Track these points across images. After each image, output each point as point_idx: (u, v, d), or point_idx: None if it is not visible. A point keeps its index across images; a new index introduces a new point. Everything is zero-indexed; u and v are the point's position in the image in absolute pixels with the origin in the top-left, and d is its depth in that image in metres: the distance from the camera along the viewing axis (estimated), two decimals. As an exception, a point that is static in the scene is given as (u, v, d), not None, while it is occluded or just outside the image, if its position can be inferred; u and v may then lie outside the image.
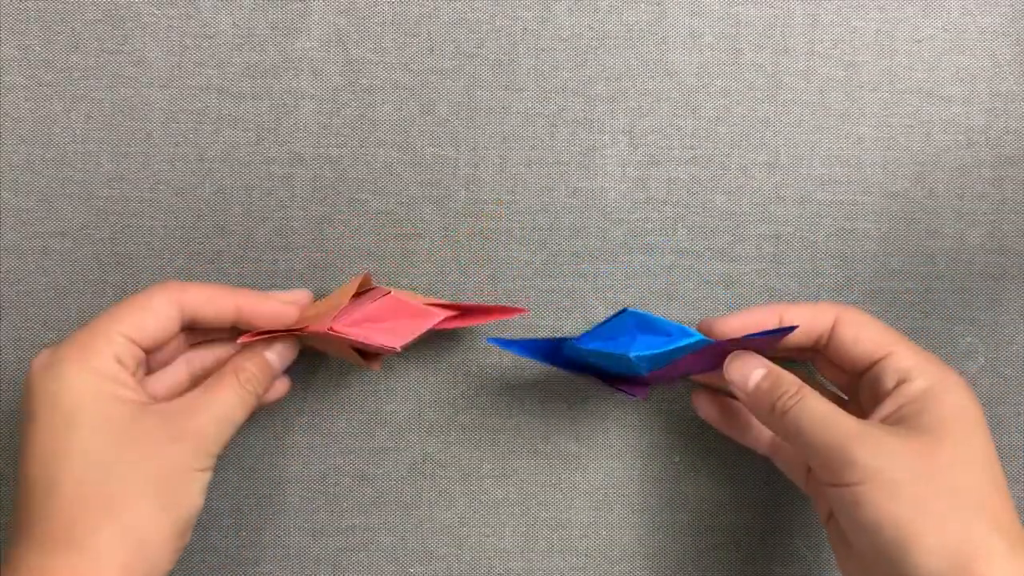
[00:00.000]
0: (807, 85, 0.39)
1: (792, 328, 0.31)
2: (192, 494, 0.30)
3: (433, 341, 0.39)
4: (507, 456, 0.39)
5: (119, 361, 0.31)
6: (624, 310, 0.34)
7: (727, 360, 0.33)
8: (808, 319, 0.33)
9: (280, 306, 0.34)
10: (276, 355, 0.35)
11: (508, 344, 0.35)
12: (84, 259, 0.39)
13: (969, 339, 0.39)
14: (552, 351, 0.35)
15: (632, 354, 0.32)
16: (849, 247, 0.39)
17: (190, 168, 0.39)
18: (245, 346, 0.34)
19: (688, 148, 0.39)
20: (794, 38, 0.39)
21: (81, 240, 0.39)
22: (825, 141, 0.39)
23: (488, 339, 0.35)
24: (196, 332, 0.35)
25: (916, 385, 0.30)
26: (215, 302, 0.33)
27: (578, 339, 0.34)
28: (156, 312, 0.32)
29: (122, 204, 0.39)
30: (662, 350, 0.33)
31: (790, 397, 0.30)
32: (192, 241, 0.39)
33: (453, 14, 0.39)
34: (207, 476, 0.31)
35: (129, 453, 0.29)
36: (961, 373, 0.39)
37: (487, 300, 0.39)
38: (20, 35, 0.39)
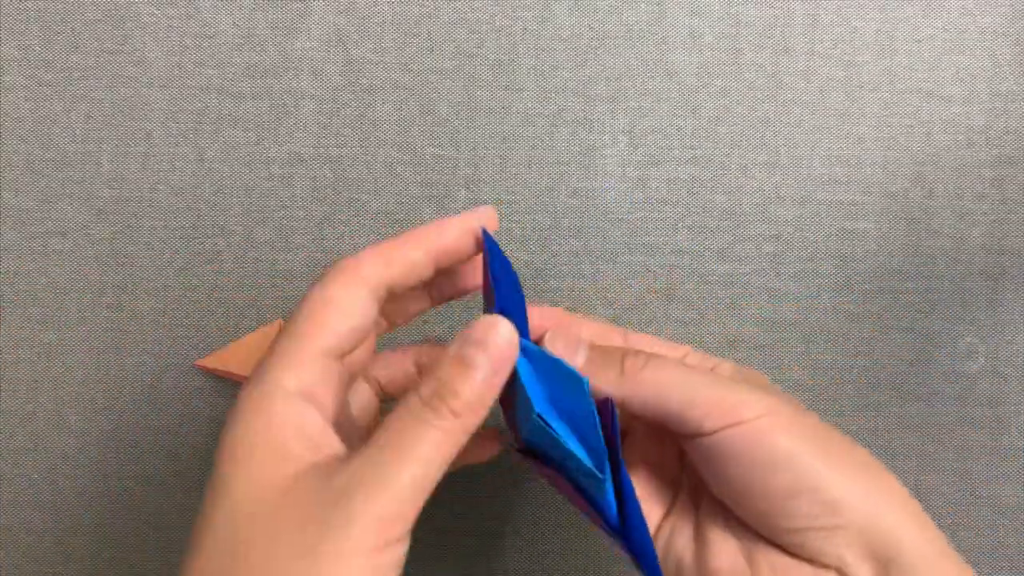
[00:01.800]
0: (807, 85, 0.39)
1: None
2: None
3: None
4: (507, 457, 0.39)
5: (310, 397, 0.24)
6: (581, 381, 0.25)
7: (548, 336, 0.27)
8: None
9: (472, 224, 0.26)
10: (488, 359, 0.23)
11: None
12: (84, 259, 0.39)
13: (969, 339, 0.39)
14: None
15: (537, 413, 0.24)
16: (849, 247, 0.39)
17: (190, 168, 0.39)
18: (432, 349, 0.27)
19: (688, 148, 0.39)
20: (794, 38, 0.39)
21: (81, 240, 0.39)
22: (825, 141, 0.39)
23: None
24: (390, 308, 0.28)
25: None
26: (393, 257, 0.25)
27: (526, 342, 0.25)
28: (344, 306, 0.25)
29: (122, 204, 0.39)
30: (568, 443, 0.25)
31: (638, 357, 0.26)
32: (192, 241, 0.39)
33: (453, 14, 0.39)
34: (388, 557, 0.22)
35: (266, 536, 0.21)
36: (961, 373, 0.39)
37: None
38: (20, 35, 0.39)
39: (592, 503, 0.26)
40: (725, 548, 0.27)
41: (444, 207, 0.39)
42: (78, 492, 0.39)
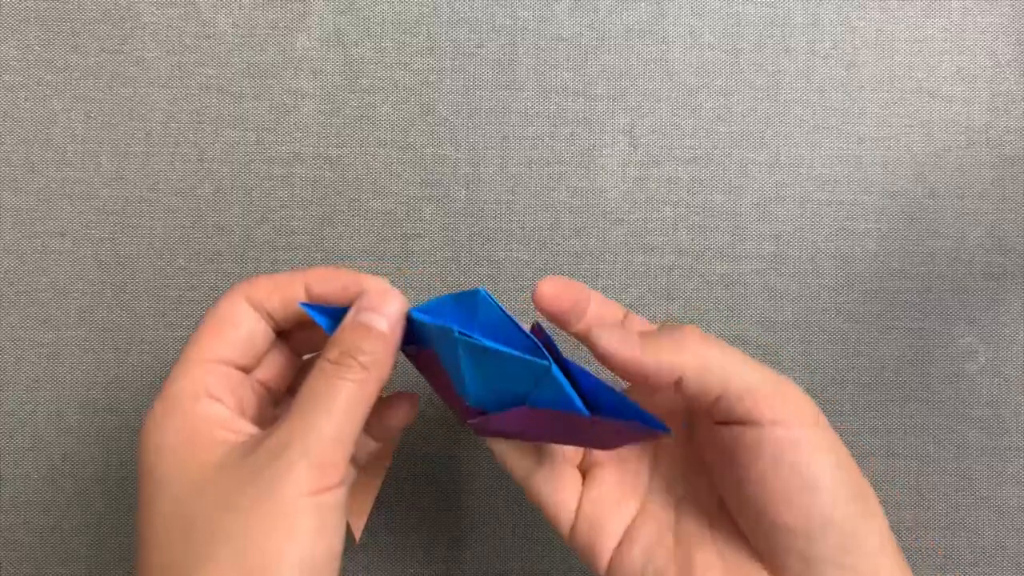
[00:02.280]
0: (807, 85, 0.39)
1: (667, 431, 0.24)
2: (304, 529, 0.23)
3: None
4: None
5: (212, 396, 0.26)
6: (476, 291, 0.26)
7: (598, 333, 0.26)
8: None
9: (351, 275, 0.28)
10: (385, 319, 0.26)
11: (319, 311, 0.27)
12: (84, 259, 0.39)
13: (969, 339, 0.39)
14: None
15: (457, 330, 0.24)
16: (849, 247, 0.39)
17: (190, 168, 0.39)
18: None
19: (688, 148, 0.39)
20: (794, 38, 0.39)
21: (81, 240, 0.39)
22: (825, 141, 0.39)
23: (300, 304, 0.27)
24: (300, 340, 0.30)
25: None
26: (281, 288, 0.27)
27: (415, 309, 0.27)
28: (233, 319, 0.27)
29: (122, 204, 0.39)
30: (497, 347, 0.25)
31: (691, 330, 0.26)
32: (192, 241, 0.39)
33: (453, 13, 0.39)
34: (329, 498, 0.24)
35: (213, 504, 0.23)
36: (962, 373, 0.39)
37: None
38: (20, 35, 0.39)
39: (562, 412, 0.25)
40: (712, 572, 0.26)
41: (444, 207, 0.39)
42: (78, 492, 0.39)
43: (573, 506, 0.29)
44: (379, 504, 0.39)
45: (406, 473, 0.39)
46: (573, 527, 0.28)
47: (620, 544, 0.28)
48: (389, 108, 0.39)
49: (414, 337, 0.27)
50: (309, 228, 0.39)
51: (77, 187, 0.39)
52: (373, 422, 0.30)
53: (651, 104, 0.39)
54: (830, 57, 0.39)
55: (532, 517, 0.39)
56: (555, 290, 0.27)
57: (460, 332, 0.24)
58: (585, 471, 0.30)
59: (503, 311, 0.25)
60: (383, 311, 0.26)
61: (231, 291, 0.27)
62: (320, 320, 0.27)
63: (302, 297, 0.28)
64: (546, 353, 0.25)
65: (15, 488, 0.39)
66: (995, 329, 0.39)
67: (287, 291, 0.27)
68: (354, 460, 0.30)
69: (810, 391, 0.39)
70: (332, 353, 0.25)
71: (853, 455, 0.26)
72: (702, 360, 0.25)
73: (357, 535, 0.33)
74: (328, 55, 0.39)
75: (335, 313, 0.27)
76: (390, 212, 0.39)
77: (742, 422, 0.25)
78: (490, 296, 0.25)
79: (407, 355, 0.28)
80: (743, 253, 0.39)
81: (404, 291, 0.39)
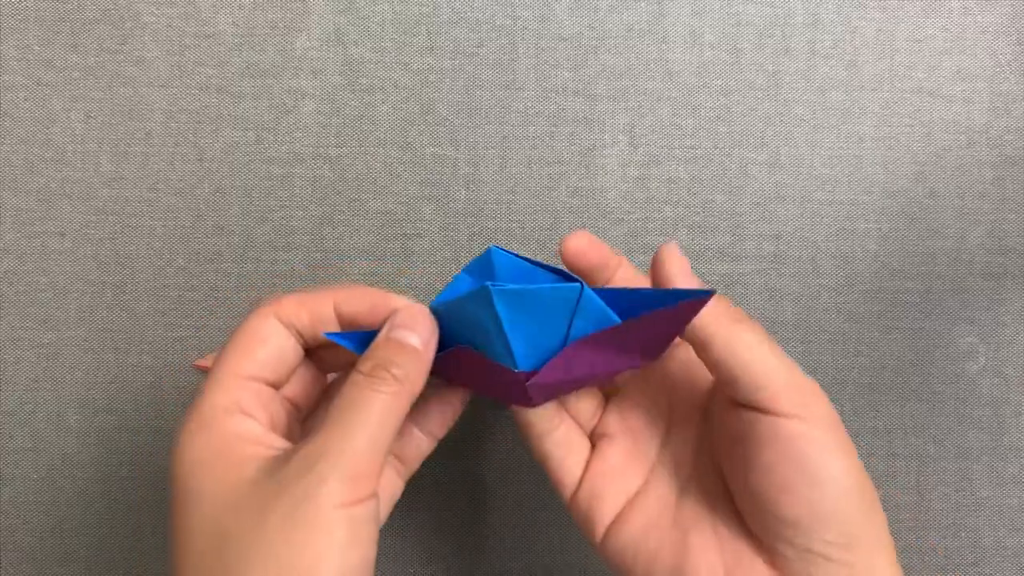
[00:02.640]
0: (807, 84, 0.39)
1: (710, 293, 0.24)
2: (338, 542, 0.23)
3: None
4: (507, 456, 0.39)
5: (245, 412, 0.26)
6: (489, 249, 0.26)
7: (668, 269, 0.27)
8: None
9: (380, 294, 0.28)
10: (418, 336, 0.26)
11: (343, 336, 0.27)
12: (84, 259, 0.39)
13: (970, 339, 0.39)
14: None
15: (490, 284, 0.24)
16: (849, 247, 0.39)
17: (190, 168, 0.39)
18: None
19: (688, 147, 0.39)
20: (795, 37, 0.39)
21: (81, 240, 0.39)
22: (826, 140, 0.39)
23: (325, 333, 0.27)
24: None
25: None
26: (309, 306, 0.27)
27: (434, 302, 0.27)
28: (262, 336, 0.27)
29: (122, 204, 0.39)
30: (530, 288, 0.25)
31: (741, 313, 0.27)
32: (192, 241, 0.39)
33: (453, 13, 0.39)
34: (362, 510, 0.24)
35: (247, 519, 0.23)
36: (962, 373, 0.39)
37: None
38: (20, 35, 0.39)
39: (605, 333, 0.25)
40: (707, 556, 0.26)
41: (444, 207, 0.39)
42: (78, 492, 0.39)
43: (579, 472, 0.29)
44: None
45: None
46: (575, 493, 0.29)
47: (618, 517, 0.28)
48: (389, 108, 0.39)
49: (442, 342, 0.27)
50: (309, 228, 0.39)
51: (77, 187, 0.39)
52: (422, 422, 0.30)
53: (651, 104, 0.39)
54: (830, 57, 0.39)
55: (532, 517, 0.39)
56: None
57: (493, 284, 0.24)
58: (595, 441, 0.30)
59: (519, 256, 0.26)
60: (416, 329, 0.26)
61: (260, 308, 0.27)
62: (348, 345, 0.26)
63: (331, 315, 0.27)
64: (575, 276, 0.26)
65: (15, 489, 0.39)
66: (995, 329, 0.39)
67: (315, 309, 0.27)
68: (406, 465, 0.30)
69: (810, 391, 0.39)
70: (365, 366, 0.25)
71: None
72: (736, 332, 0.26)
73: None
74: (328, 55, 0.39)
75: (363, 338, 0.27)
76: (390, 212, 0.39)
77: (759, 409, 0.25)
78: (502, 249, 0.26)
79: (436, 373, 0.28)
80: (743, 253, 0.39)
81: (404, 291, 0.39)
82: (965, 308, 0.39)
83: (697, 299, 0.24)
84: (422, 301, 0.39)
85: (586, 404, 0.30)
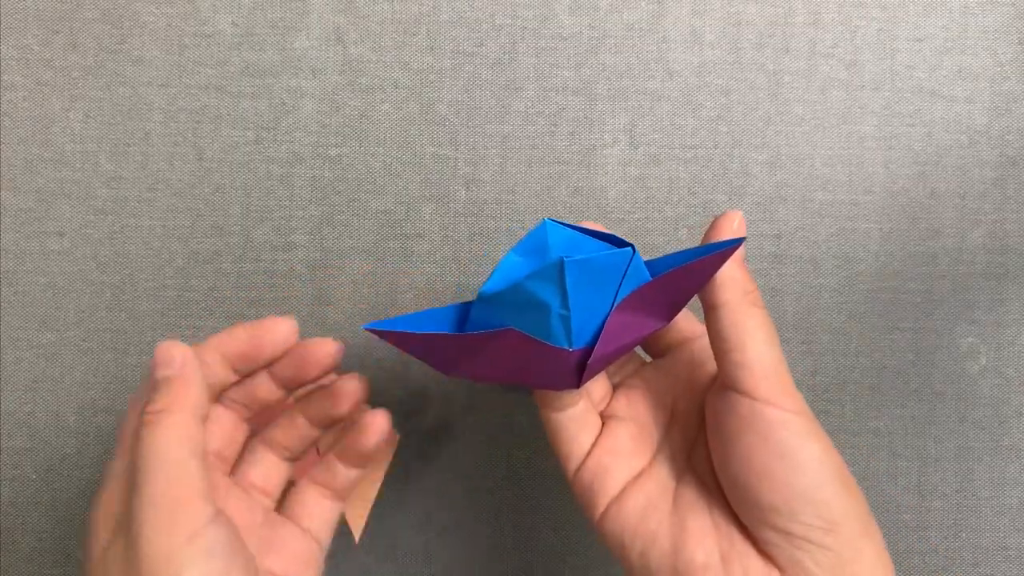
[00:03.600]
0: (808, 84, 0.39)
1: (740, 240, 0.26)
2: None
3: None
4: (507, 456, 0.39)
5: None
6: (543, 222, 0.27)
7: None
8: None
9: (252, 324, 0.29)
10: (171, 367, 0.28)
11: (390, 323, 0.27)
12: (83, 259, 0.39)
13: (971, 339, 0.39)
14: (454, 321, 0.29)
15: (565, 257, 0.24)
16: (850, 247, 0.39)
17: (189, 168, 0.39)
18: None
19: (689, 147, 0.39)
20: (795, 37, 0.39)
21: (80, 240, 0.39)
22: (826, 140, 0.39)
23: (363, 326, 0.26)
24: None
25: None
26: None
27: (484, 287, 0.27)
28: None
29: (121, 204, 0.39)
30: (595, 255, 0.25)
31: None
32: (192, 241, 0.39)
33: (453, 13, 0.39)
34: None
35: None
36: (963, 373, 0.39)
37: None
38: (20, 35, 0.39)
39: (642, 290, 0.26)
40: (704, 541, 0.27)
41: (444, 207, 0.39)
42: (78, 492, 0.39)
43: (586, 448, 0.30)
44: (378, 505, 0.39)
45: (405, 474, 0.39)
46: (579, 468, 0.29)
47: (620, 495, 0.29)
48: (389, 108, 0.39)
49: (485, 325, 0.27)
50: (309, 228, 0.39)
51: (76, 187, 0.39)
52: (347, 449, 0.31)
53: (651, 104, 0.39)
54: (831, 57, 0.39)
55: (532, 518, 0.39)
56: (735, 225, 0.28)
57: (567, 257, 0.24)
58: (604, 421, 0.31)
59: (569, 226, 0.27)
60: (164, 365, 0.27)
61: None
62: (394, 326, 0.26)
63: (222, 370, 0.28)
64: (623, 240, 0.27)
65: (14, 489, 0.39)
66: (996, 329, 0.39)
67: (208, 374, 0.28)
68: (339, 493, 0.31)
69: (812, 391, 0.39)
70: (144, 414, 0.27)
71: (854, 454, 0.27)
72: (743, 312, 0.27)
73: (357, 535, 0.33)
74: (328, 55, 0.39)
75: (409, 320, 0.27)
76: (390, 212, 0.39)
77: (737, 390, 0.26)
78: (556, 221, 0.26)
79: (457, 370, 0.28)
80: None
81: (404, 291, 0.39)
82: (966, 308, 0.39)
83: (727, 247, 0.25)
84: (422, 301, 0.39)
85: (597, 387, 0.31)
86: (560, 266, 0.24)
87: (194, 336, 0.39)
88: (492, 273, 0.27)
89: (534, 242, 0.27)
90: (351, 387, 0.30)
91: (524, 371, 0.27)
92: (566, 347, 0.26)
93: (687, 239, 0.39)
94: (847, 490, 0.26)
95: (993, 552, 0.39)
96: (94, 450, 0.39)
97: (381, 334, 0.26)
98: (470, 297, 0.39)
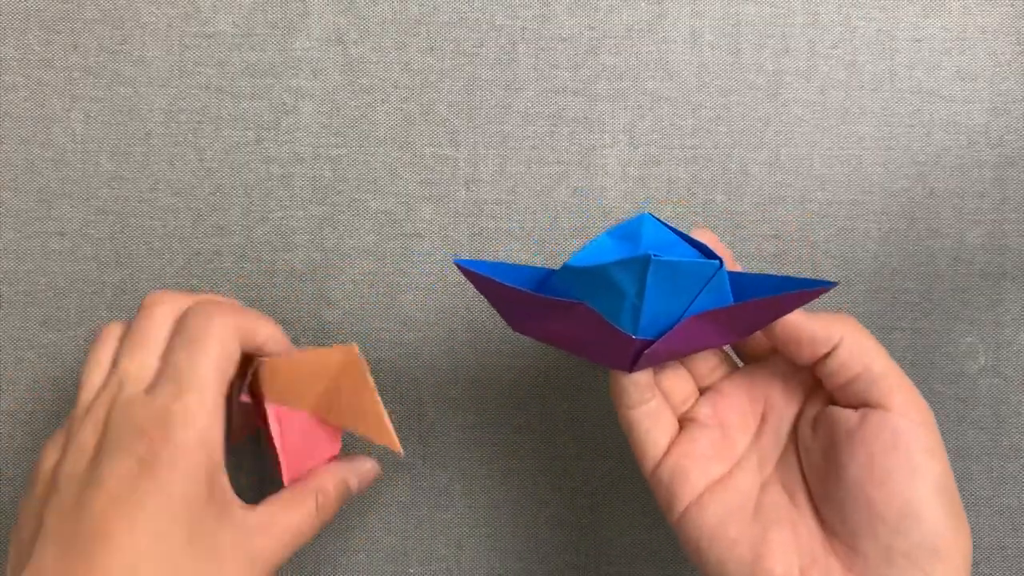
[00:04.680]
0: (807, 84, 0.39)
1: (832, 284, 0.26)
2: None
3: (433, 344, 0.39)
4: (507, 456, 0.39)
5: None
6: (643, 215, 0.28)
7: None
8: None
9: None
10: (358, 480, 0.33)
11: (477, 265, 0.28)
12: (84, 259, 0.39)
13: (970, 339, 0.39)
14: (535, 281, 0.29)
15: (652, 254, 0.25)
16: (849, 247, 0.39)
17: (190, 168, 0.39)
18: (332, 460, 0.33)
19: (688, 148, 0.39)
20: (794, 37, 0.39)
21: (81, 240, 0.39)
22: (825, 140, 0.39)
23: (456, 260, 0.28)
24: None
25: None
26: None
27: (572, 260, 0.28)
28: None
29: (122, 204, 0.39)
30: (681, 260, 0.26)
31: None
32: (192, 241, 0.39)
33: (453, 13, 0.39)
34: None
35: (188, 566, 0.26)
36: (962, 373, 0.39)
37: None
38: (20, 35, 0.39)
39: (720, 310, 0.27)
40: (784, 553, 0.27)
41: (444, 207, 0.39)
42: (78, 492, 0.39)
43: (663, 446, 0.30)
44: (378, 505, 0.39)
45: (406, 474, 0.39)
46: (658, 465, 0.30)
47: (699, 499, 0.29)
48: (389, 108, 0.39)
49: (562, 293, 0.27)
50: (309, 228, 0.39)
51: (77, 187, 0.39)
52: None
53: (651, 104, 0.39)
54: (830, 57, 0.39)
55: (532, 518, 0.39)
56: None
57: (654, 255, 0.25)
58: (684, 424, 0.31)
59: (667, 225, 0.27)
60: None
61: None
62: (484, 270, 0.27)
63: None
64: (713, 252, 0.27)
65: (15, 488, 0.39)
66: (995, 329, 0.39)
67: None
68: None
69: (810, 391, 0.39)
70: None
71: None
72: (860, 337, 0.28)
73: (398, 446, 0.32)
74: (328, 55, 0.39)
75: (496, 267, 0.28)
76: (390, 212, 0.39)
77: (870, 404, 0.27)
78: (655, 217, 0.27)
79: (522, 326, 0.29)
80: (743, 253, 0.39)
81: (404, 291, 0.39)
82: (965, 308, 0.39)
83: (818, 288, 0.26)
84: (422, 301, 0.39)
85: (680, 388, 0.31)
86: (645, 262, 0.25)
87: (195, 336, 0.39)
88: (581, 248, 0.27)
89: (628, 229, 0.27)
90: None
91: (585, 344, 0.28)
92: (630, 334, 0.26)
93: (687, 239, 0.39)
94: (959, 520, 0.26)
95: (993, 552, 0.39)
96: (95, 450, 0.39)
97: (468, 274, 0.27)
98: (471, 296, 0.39)
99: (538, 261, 0.39)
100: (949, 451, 0.39)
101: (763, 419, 0.30)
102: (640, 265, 0.25)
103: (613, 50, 0.39)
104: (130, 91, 0.39)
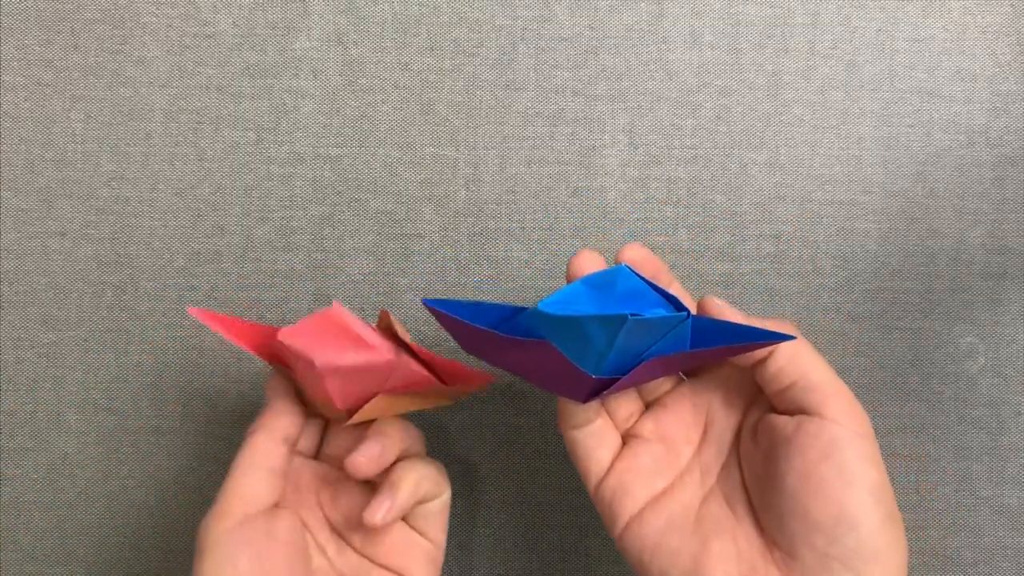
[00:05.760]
0: (807, 84, 0.39)
1: (789, 337, 0.27)
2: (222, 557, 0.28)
3: (432, 344, 0.39)
4: (507, 456, 0.39)
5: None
6: (619, 267, 0.28)
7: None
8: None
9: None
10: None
11: (444, 305, 0.28)
12: (84, 259, 0.39)
13: (969, 339, 0.39)
14: (500, 319, 0.29)
15: (629, 313, 0.25)
16: (849, 247, 0.39)
17: (190, 168, 0.39)
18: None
19: (688, 148, 0.39)
20: (794, 38, 0.39)
21: (81, 240, 0.39)
22: (825, 140, 0.39)
23: (424, 300, 0.28)
24: None
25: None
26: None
27: (544, 304, 0.27)
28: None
29: (122, 204, 0.39)
30: (655, 316, 0.26)
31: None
32: (192, 241, 0.39)
33: (453, 13, 0.39)
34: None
35: None
36: (962, 373, 0.39)
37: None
38: (20, 35, 0.39)
39: (681, 354, 0.27)
40: (724, 562, 0.27)
41: (444, 207, 0.39)
42: (78, 492, 0.39)
43: (606, 464, 0.30)
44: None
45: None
46: (600, 483, 0.30)
47: (640, 512, 0.29)
48: (389, 108, 0.39)
49: (527, 331, 0.28)
50: (309, 228, 0.39)
51: (77, 187, 0.39)
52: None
53: (651, 104, 0.39)
54: (830, 57, 0.39)
55: (532, 519, 0.39)
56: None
57: (632, 315, 0.25)
58: (626, 440, 0.31)
59: (642, 278, 0.28)
60: (271, 387, 0.33)
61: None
62: (448, 311, 0.28)
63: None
64: (683, 304, 0.28)
65: (15, 488, 0.39)
66: (995, 329, 0.39)
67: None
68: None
69: (810, 391, 0.39)
70: None
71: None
72: (798, 345, 0.28)
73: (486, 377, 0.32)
74: (328, 55, 0.39)
75: (464, 308, 0.28)
76: (390, 212, 0.39)
77: (806, 412, 0.27)
78: (631, 269, 0.28)
79: (480, 352, 0.29)
80: (743, 253, 0.39)
81: (404, 291, 0.39)
82: (965, 308, 0.39)
83: (777, 340, 0.26)
84: (429, 294, 0.39)
85: (625, 406, 0.31)
86: (622, 321, 0.25)
87: (194, 336, 0.39)
88: (554, 293, 0.27)
89: (603, 279, 0.28)
90: (359, 463, 0.31)
91: (542, 376, 0.28)
92: (589, 374, 0.27)
93: (687, 239, 0.39)
94: (894, 527, 0.26)
95: (993, 552, 0.39)
96: (95, 450, 0.39)
97: (436, 314, 0.28)
98: (470, 295, 0.39)
99: (538, 261, 0.39)
100: (949, 451, 0.39)
101: (705, 430, 0.31)
102: (616, 324, 0.25)
103: (613, 50, 0.39)
104: (130, 91, 0.39)
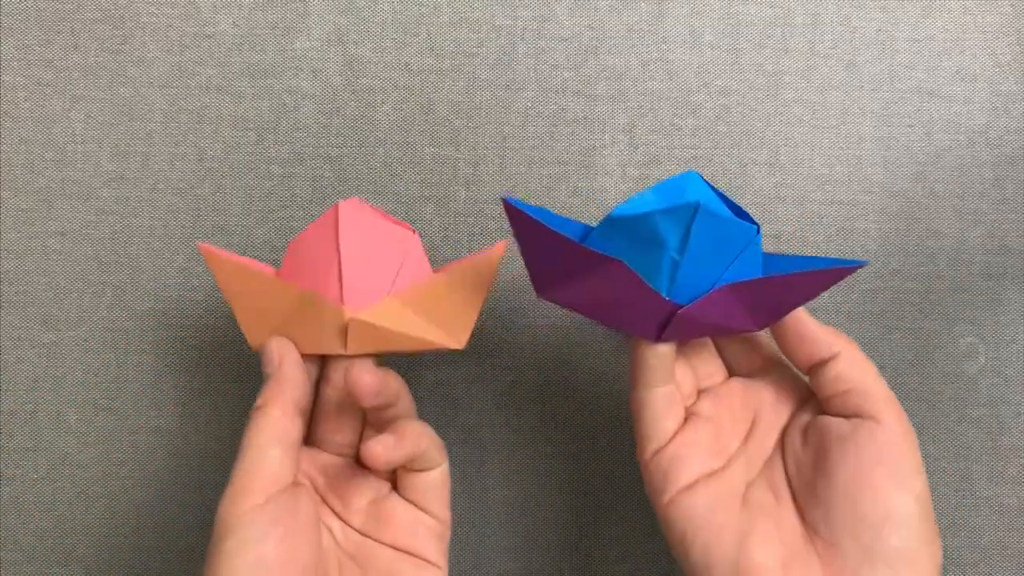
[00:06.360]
0: (807, 85, 0.39)
1: (862, 263, 0.28)
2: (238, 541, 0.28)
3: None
4: (507, 456, 0.39)
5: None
6: (688, 172, 0.28)
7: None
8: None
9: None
10: (267, 365, 0.31)
11: (525, 207, 0.27)
12: (84, 259, 0.39)
13: (970, 339, 0.39)
14: (574, 236, 0.29)
15: (701, 200, 0.25)
16: (849, 247, 0.39)
17: (190, 168, 0.39)
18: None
19: (688, 148, 0.39)
20: (794, 38, 0.39)
21: (81, 240, 0.39)
22: (825, 141, 0.39)
23: (506, 198, 0.27)
24: None
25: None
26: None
27: (616, 211, 0.27)
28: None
29: (122, 204, 0.39)
30: (727, 216, 0.26)
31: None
32: (192, 241, 0.39)
33: (453, 13, 0.39)
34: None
35: None
36: (962, 373, 0.39)
37: (487, 299, 0.39)
38: (20, 35, 0.39)
39: (754, 282, 0.27)
40: (767, 544, 0.28)
41: (444, 207, 0.39)
42: (79, 492, 0.39)
43: (669, 433, 0.31)
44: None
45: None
46: (659, 451, 0.30)
47: (691, 486, 0.30)
48: (389, 108, 0.39)
49: (600, 249, 0.27)
50: (309, 228, 0.39)
51: (77, 187, 0.39)
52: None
53: (651, 104, 0.39)
54: (830, 57, 0.39)
55: (532, 518, 0.39)
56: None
57: (703, 203, 0.25)
58: (688, 417, 0.32)
59: (712, 187, 0.27)
60: (268, 361, 0.31)
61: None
62: (532, 212, 0.27)
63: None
64: (751, 218, 0.27)
65: (15, 488, 0.39)
66: (995, 329, 0.39)
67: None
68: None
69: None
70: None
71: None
72: (858, 354, 0.30)
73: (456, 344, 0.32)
74: (328, 55, 0.39)
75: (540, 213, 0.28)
76: (390, 212, 0.39)
77: (861, 416, 0.29)
78: (700, 176, 0.27)
79: (551, 291, 0.28)
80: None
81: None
82: (965, 308, 0.39)
83: (847, 267, 0.27)
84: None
85: (688, 382, 0.32)
86: (694, 209, 0.25)
87: (194, 336, 0.39)
88: (625, 202, 0.27)
89: (672, 186, 0.27)
90: (364, 382, 0.30)
91: (614, 307, 0.28)
92: (663, 295, 0.26)
93: (687, 239, 0.39)
94: (934, 536, 0.28)
95: (993, 552, 0.39)
96: (95, 450, 0.39)
97: (514, 214, 0.27)
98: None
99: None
100: (949, 451, 0.39)
101: (753, 425, 0.32)
102: (688, 213, 0.25)
103: (613, 50, 0.39)
104: (130, 91, 0.39)
